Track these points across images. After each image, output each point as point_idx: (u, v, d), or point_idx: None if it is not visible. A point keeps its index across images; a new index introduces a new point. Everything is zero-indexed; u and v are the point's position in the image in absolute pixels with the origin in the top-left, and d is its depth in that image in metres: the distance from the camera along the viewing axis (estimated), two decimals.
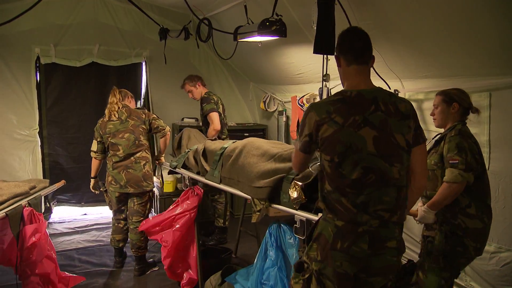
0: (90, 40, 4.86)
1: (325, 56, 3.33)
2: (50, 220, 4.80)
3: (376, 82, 3.26)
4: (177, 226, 2.96)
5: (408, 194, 1.72)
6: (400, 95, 3.18)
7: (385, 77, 3.10)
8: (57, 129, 4.95)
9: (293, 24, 3.20)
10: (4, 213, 2.53)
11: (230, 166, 2.76)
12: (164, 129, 3.56)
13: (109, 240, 3.74)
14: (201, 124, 4.43)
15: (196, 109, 5.19)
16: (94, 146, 3.53)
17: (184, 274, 3.04)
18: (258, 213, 2.40)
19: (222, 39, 4.21)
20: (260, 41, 3.39)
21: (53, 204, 4.93)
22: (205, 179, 2.97)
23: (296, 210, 2.10)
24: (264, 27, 2.89)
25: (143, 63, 5.27)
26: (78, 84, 4.98)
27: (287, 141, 4.95)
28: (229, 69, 5.69)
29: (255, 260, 2.50)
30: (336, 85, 3.90)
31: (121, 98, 3.51)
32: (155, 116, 3.59)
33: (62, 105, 4.91)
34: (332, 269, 1.65)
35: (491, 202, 2.31)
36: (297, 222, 2.09)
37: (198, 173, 3.15)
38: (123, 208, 3.59)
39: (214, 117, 4.03)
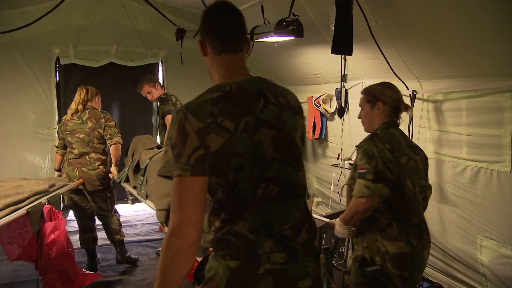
0: (108, 41, 4.93)
1: (343, 56, 3.31)
2: (68, 218, 4.88)
3: (394, 83, 3.24)
4: None
5: None
6: (418, 96, 3.13)
7: (403, 77, 3.05)
8: None
9: (310, 24, 3.18)
10: (25, 210, 2.60)
11: (147, 183, 2.61)
12: (112, 138, 3.44)
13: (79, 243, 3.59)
14: (158, 128, 4.13)
15: None
16: (56, 141, 3.68)
17: None
18: None
19: None
20: (277, 41, 3.38)
21: None
22: (137, 194, 2.86)
23: None
24: (280, 27, 2.88)
25: (160, 63, 5.32)
26: (96, 84, 4.96)
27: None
28: None
29: None
30: (353, 85, 3.86)
31: (86, 99, 3.51)
32: (113, 124, 3.51)
33: None
34: None
35: (421, 220, 1.95)
36: None
37: (135, 188, 3.03)
38: (83, 204, 3.55)
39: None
